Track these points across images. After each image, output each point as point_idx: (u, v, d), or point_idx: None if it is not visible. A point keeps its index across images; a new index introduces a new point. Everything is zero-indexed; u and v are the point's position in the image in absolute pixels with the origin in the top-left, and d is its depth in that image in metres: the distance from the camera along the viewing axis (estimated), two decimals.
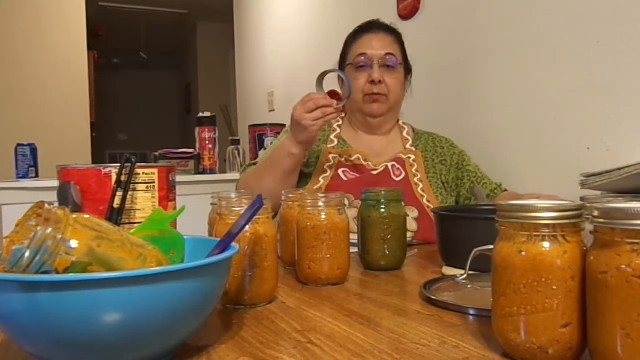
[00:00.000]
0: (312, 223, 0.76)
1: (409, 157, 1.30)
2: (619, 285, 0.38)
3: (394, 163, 1.27)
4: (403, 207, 0.91)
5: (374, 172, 1.24)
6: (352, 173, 1.25)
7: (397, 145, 1.35)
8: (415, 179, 1.26)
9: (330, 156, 1.28)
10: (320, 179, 1.24)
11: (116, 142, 7.87)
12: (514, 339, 0.45)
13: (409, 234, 1.03)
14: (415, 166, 1.29)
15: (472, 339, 0.52)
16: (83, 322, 0.40)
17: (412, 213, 1.18)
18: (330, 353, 0.49)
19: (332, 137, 1.33)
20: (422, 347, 0.50)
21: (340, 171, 1.26)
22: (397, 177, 1.26)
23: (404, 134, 1.37)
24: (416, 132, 1.40)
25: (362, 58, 1.27)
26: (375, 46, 1.28)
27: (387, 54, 1.27)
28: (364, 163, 1.26)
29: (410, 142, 1.35)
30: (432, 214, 1.21)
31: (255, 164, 1.31)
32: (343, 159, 1.27)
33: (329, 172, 1.25)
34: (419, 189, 1.25)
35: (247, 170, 1.30)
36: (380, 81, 1.26)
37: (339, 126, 1.36)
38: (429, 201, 1.23)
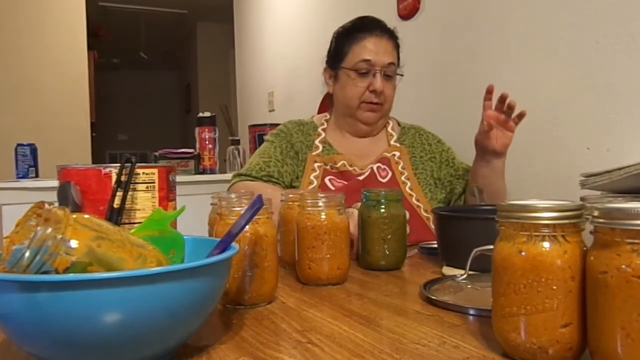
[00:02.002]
0: (312, 223, 0.76)
1: (394, 155, 1.28)
2: (619, 285, 0.38)
3: (379, 164, 1.25)
4: (403, 207, 0.90)
5: (360, 178, 1.23)
6: (338, 181, 1.23)
7: (382, 142, 1.33)
8: (403, 177, 1.25)
9: (316, 165, 1.25)
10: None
11: (116, 142, 7.87)
12: (514, 339, 0.45)
13: None
14: (401, 163, 1.27)
15: (472, 339, 0.52)
16: (83, 322, 0.40)
17: None
18: (330, 353, 0.49)
19: (316, 142, 1.29)
20: (422, 347, 0.50)
21: (327, 179, 1.23)
22: (383, 178, 1.24)
23: (389, 129, 1.34)
24: (402, 126, 1.37)
25: (366, 65, 1.23)
26: (380, 53, 1.23)
27: (390, 63, 1.24)
28: (350, 169, 1.24)
29: (395, 137, 1.32)
30: (424, 214, 1.21)
31: (244, 175, 1.24)
32: (328, 167, 1.25)
33: (315, 183, 1.23)
34: (407, 188, 1.24)
35: (239, 183, 1.23)
36: (381, 91, 1.23)
37: (323, 130, 1.33)
38: (418, 200, 1.23)
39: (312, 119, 1.39)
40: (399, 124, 1.39)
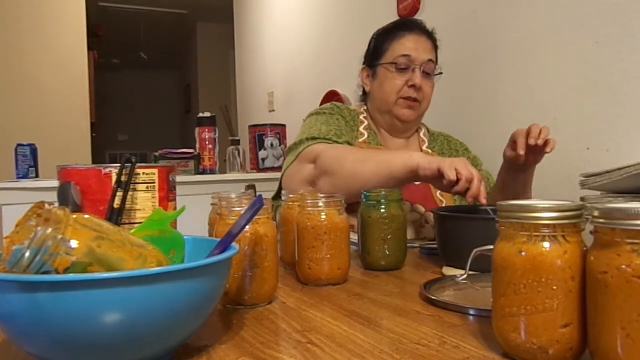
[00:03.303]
0: (312, 223, 0.76)
1: None
2: (619, 285, 0.38)
3: None
4: (402, 207, 0.90)
5: None
6: None
7: (414, 147, 1.34)
8: None
9: None
10: None
11: (116, 142, 7.87)
12: (514, 339, 0.45)
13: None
14: None
15: (472, 339, 0.52)
16: (83, 322, 0.40)
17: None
18: (330, 353, 0.49)
19: (361, 129, 1.29)
20: (422, 347, 0.50)
21: None
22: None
23: (421, 134, 1.36)
24: (431, 133, 1.38)
25: (405, 60, 1.23)
26: (419, 49, 1.24)
27: (429, 60, 1.24)
28: None
29: (427, 143, 1.33)
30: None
31: (321, 139, 1.16)
32: None
33: None
34: (437, 194, 1.24)
35: (326, 144, 1.14)
36: (420, 87, 1.23)
37: (365, 118, 1.32)
38: (448, 206, 1.23)
39: (353, 106, 1.38)
40: (428, 131, 1.39)
